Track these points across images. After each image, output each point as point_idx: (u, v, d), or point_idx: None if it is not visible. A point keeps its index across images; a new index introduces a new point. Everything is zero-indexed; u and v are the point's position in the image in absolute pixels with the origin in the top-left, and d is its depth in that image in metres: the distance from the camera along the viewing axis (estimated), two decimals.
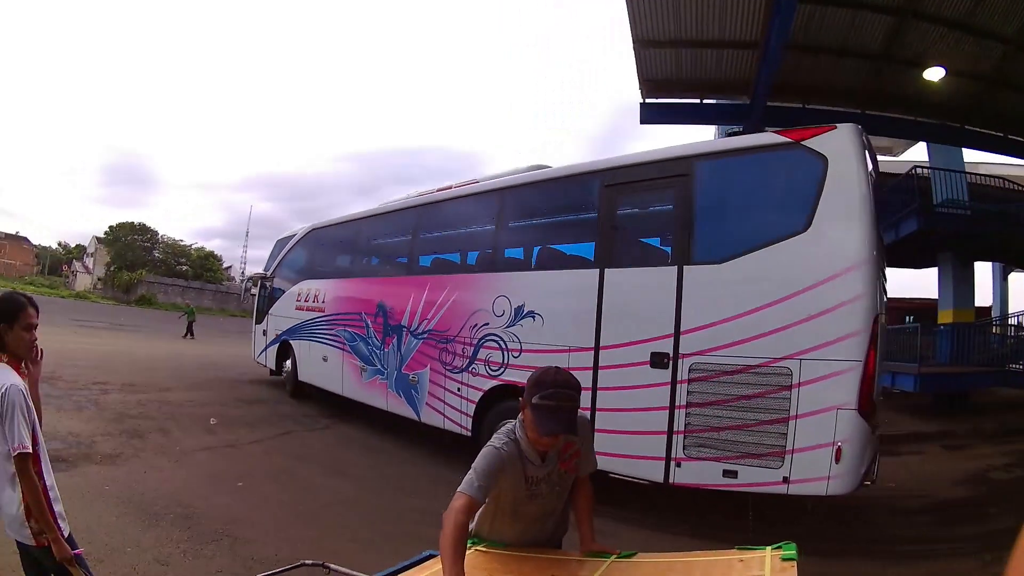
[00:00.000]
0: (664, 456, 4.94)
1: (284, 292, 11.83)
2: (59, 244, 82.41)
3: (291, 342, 11.18)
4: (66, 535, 2.29)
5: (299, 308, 10.87)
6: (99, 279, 58.65)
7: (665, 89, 13.00)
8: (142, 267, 57.64)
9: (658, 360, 5.07)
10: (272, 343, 12.08)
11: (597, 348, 5.52)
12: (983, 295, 16.94)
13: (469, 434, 6.64)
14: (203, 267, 64.13)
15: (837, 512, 5.77)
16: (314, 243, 11.52)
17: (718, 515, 5.29)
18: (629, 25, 11.12)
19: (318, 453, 7.36)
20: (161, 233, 63.85)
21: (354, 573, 2.31)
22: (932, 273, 15.55)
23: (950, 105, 12.48)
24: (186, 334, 25.69)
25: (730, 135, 5.49)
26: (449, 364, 7.00)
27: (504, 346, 6.35)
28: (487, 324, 6.54)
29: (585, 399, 4.91)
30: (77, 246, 74.52)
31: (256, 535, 4.38)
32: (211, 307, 57.98)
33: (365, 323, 8.70)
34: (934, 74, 11.52)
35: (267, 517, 4.85)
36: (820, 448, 4.38)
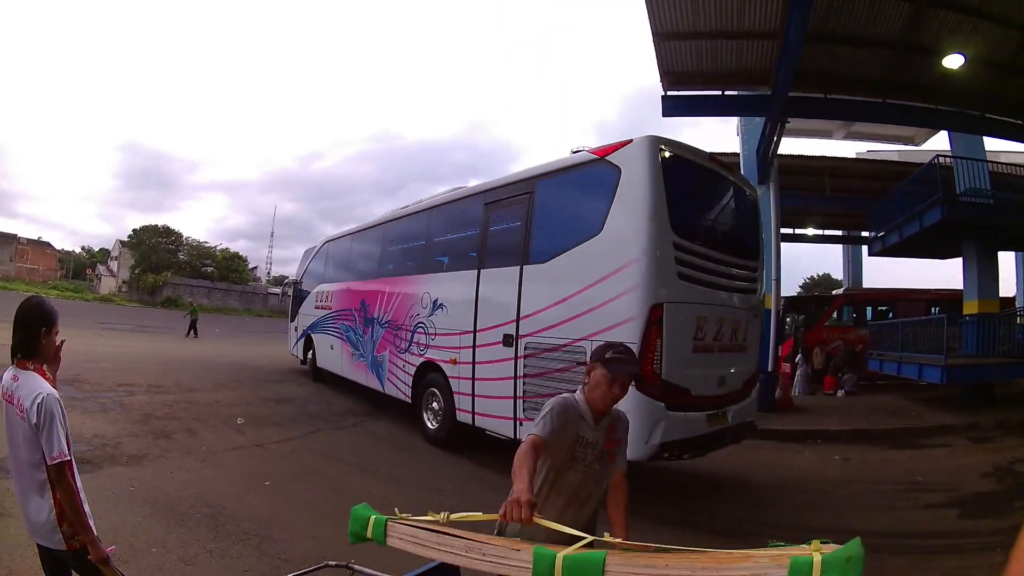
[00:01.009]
0: (512, 416, 6.19)
1: (308, 294, 14.04)
2: (82, 248, 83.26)
3: (312, 335, 13.24)
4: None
5: (317, 307, 12.97)
6: (124, 282, 58.66)
7: (686, 81, 12.95)
8: (167, 269, 57.74)
9: (507, 340, 6.38)
10: (300, 337, 14.33)
11: (475, 331, 6.91)
12: (1007, 285, 16.69)
13: (410, 401, 8.29)
14: (229, 268, 64.02)
15: (866, 506, 5.77)
16: (326, 253, 13.59)
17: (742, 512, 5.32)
18: (648, 19, 11.12)
19: (347, 452, 7.34)
20: (185, 235, 64.01)
21: (378, 574, 2.30)
22: (956, 264, 15.34)
23: (970, 93, 12.28)
24: (188, 332, 25.15)
25: (574, 152, 6.65)
26: (398, 347, 8.71)
27: (427, 331, 7.93)
28: (418, 314, 8.19)
29: (468, 371, 6.94)
30: (101, 250, 75.05)
31: (283, 535, 4.36)
32: (237, 308, 58.97)
33: (354, 317, 10.66)
34: (953, 61, 11.35)
35: (295, 517, 4.81)
36: None
